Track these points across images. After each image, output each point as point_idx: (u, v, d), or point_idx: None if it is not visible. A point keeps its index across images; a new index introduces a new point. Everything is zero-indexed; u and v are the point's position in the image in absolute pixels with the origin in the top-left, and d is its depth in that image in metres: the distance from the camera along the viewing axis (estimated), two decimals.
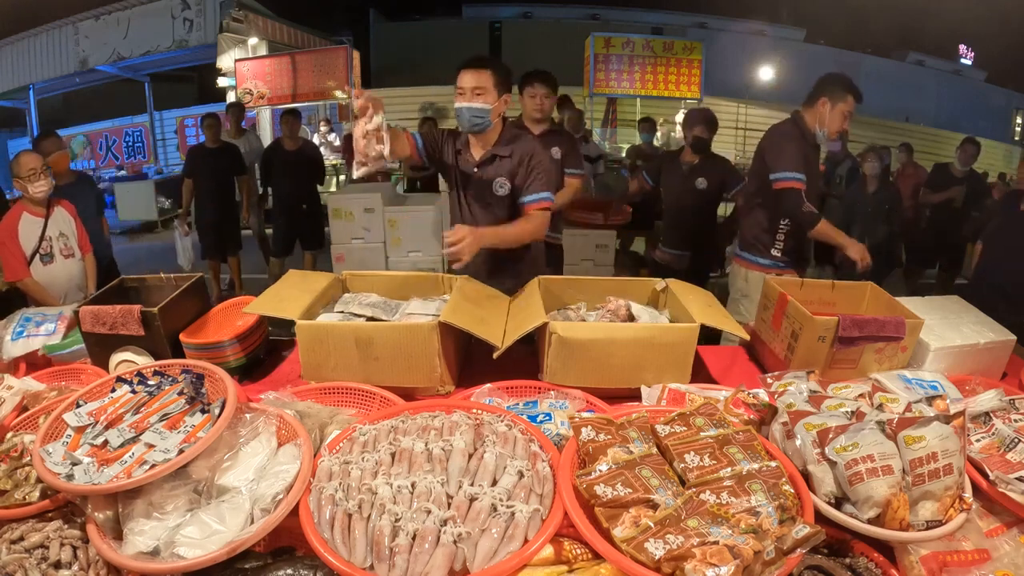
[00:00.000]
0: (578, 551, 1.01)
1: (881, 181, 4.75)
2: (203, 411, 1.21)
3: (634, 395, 1.54)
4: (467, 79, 1.98)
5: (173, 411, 1.21)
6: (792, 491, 1.03)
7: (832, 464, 1.09)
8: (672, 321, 1.73)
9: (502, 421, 1.23)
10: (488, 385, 1.54)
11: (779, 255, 2.63)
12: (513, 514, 1.01)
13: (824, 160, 6.39)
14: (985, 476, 1.16)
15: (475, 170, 2.09)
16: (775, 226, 2.61)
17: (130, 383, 1.29)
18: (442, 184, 4.34)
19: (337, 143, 8.59)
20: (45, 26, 8.54)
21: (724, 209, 3.54)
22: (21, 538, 1.11)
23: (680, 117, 9.10)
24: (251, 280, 5.62)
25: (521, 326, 1.60)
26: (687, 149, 3.56)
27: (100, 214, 3.94)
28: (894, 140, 8.41)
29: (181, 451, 1.10)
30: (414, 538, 0.97)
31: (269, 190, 5.22)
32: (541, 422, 1.31)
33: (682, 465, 1.08)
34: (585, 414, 1.29)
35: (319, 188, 5.42)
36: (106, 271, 3.47)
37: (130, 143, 10.92)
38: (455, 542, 0.96)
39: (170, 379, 1.31)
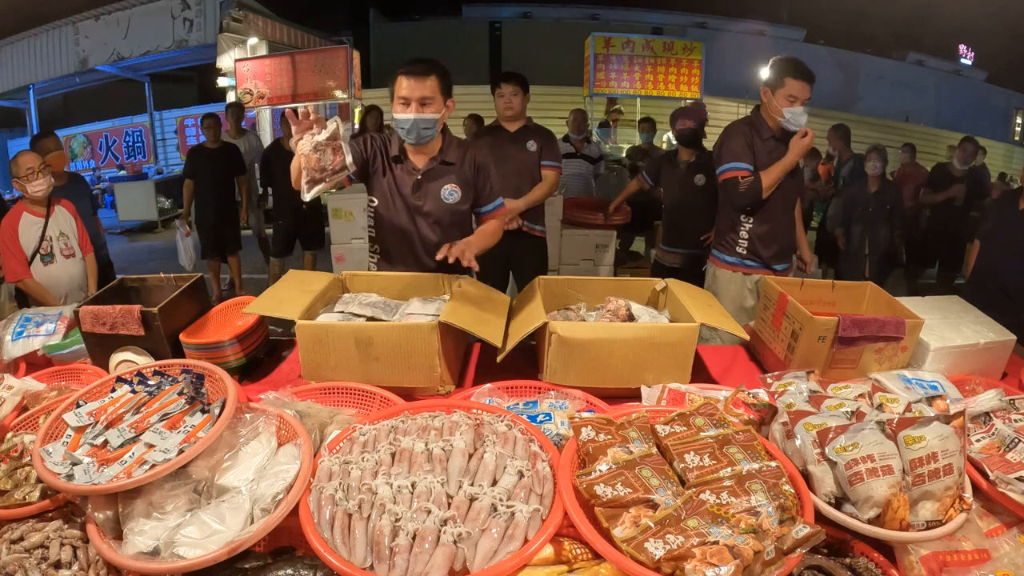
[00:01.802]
0: (578, 551, 1.01)
1: (883, 181, 4.76)
2: (203, 411, 1.21)
3: (634, 395, 1.54)
4: (412, 88, 1.83)
5: (173, 411, 1.21)
6: (792, 491, 1.03)
7: (832, 464, 1.09)
8: (672, 321, 1.74)
9: (502, 421, 1.23)
10: (488, 385, 1.54)
11: (744, 253, 2.58)
12: (513, 514, 1.01)
13: (826, 160, 6.39)
14: (985, 476, 1.16)
15: (419, 177, 1.99)
16: (737, 223, 2.56)
17: (130, 383, 1.29)
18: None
19: None
20: (45, 26, 8.54)
21: None
22: (21, 538, 1.11)
23: None
24: (251, 280, 5.63)
25: (522, 327, 1.60)
26: (681, 147, 3.59)
27: (94, 214, 3.96)
28: (894, 140, 8.41)
29: (181, 451, 1.10)
30: (414, 538, 0.97)
31: (269, 190, 5.22)
32: (541, 422, 1.31)
33: (682, 465, 1.08)
34: (585, 414, 1.29)
35: None
36: (102, 270, 3.49)
37: (130, 143, 10.92)
38: (455, 542, 0.96)
39: (170, 379, 1.31)
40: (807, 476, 1.12)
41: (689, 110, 3.68)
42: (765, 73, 2.49)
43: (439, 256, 1.75)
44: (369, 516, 1.01)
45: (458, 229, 2.08)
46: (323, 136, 1.57)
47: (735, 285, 2.61)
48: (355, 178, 1.95)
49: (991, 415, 1.34)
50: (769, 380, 1.50)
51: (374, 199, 2.05)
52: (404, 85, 1.85)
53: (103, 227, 4.21)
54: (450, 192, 2.01)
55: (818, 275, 4.11)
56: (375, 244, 2.14)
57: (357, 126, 7.36)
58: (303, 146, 1.58)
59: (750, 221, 2.54)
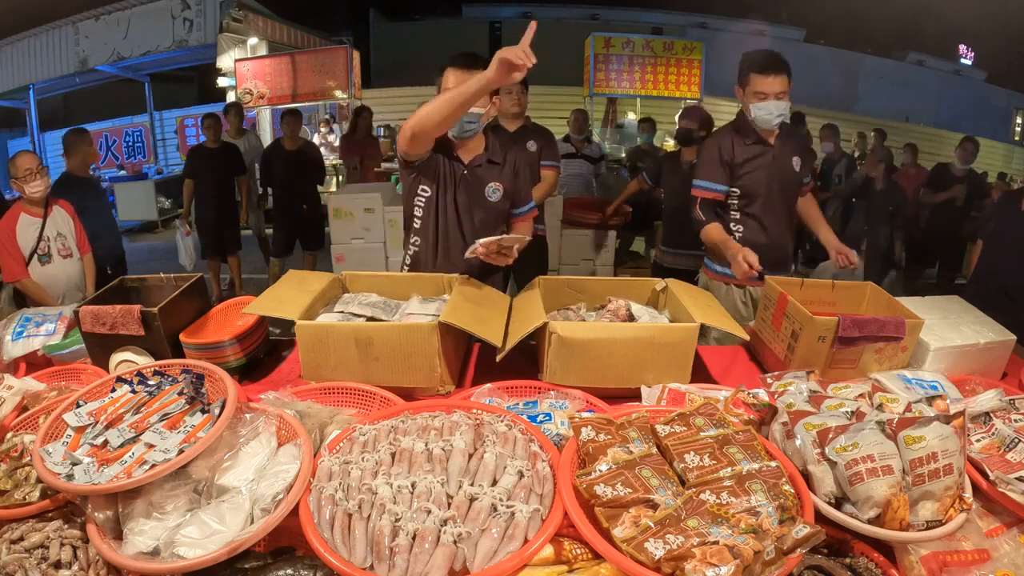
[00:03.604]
0: (578, 551, 1.01)
1: (887, 181, 4.76)
2: (203, 411, 1.21)
3: (634, 395, 1.54)
4: (458, 81, 1.82)
5: (173, 411, 1.21)
6: (792, 491, 1.03)
7: (832, 464, 1.09)
8: (672, 321, 1.74)
9: (502, 421, 1.23)
10: (488, 385, 1.54)
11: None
12: (513, 514, 1.01)
13: (821, 161, 6.40)
14: (985, 476, 1.16)
15: (464, 172, 2.00)
16: (727, 232, 2.39)
17: (130, 383, 1.29)
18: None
19: (337, 143, 8.59)
20: (45, 26, 8.53)
21: None
22: (21, 538, 1.11)
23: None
24: (251, 280, 5.63)
25: (522, 327, 1.60)
26: (683, 147, 3.62)
27: (111, 212, 4.02)
28: (894, 140, 8.41)
29: (181, 451, 1.10)
30: (414, 538, 0.97)
31: (269, 190, 5.23)
32: (541, 422, 1.31)
33: (682, 465, 1.08)
34: (585, 414, 1.29)
35: (319, 188, 5.43)
36: (116, 266, 3.55)
37: (130, 143, 10.91)
38: (455, 542, 0.96)
39: (170, 379, 1.31)
40: (807, 476, 1.12)
41: (691, 110, 3.71)
42: None
43: (480, 250, 1.75)
44: (369, 516, 1.01)
45: (495, 227, 2.10)
46: (509, 242, 1.77)
47: (725, 296, 2.44)
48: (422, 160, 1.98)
49: (991, 415, 1.34)
50: (769, 380, 1.50)
51: (426, 188, 2.03)
52: (452, 77, 1.87)
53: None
54: (494, 190, 2.03)
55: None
56: (416, 235, 2.12)
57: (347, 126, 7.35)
58: (489, 245, 1.76)
59: (740, 231, 2.39)
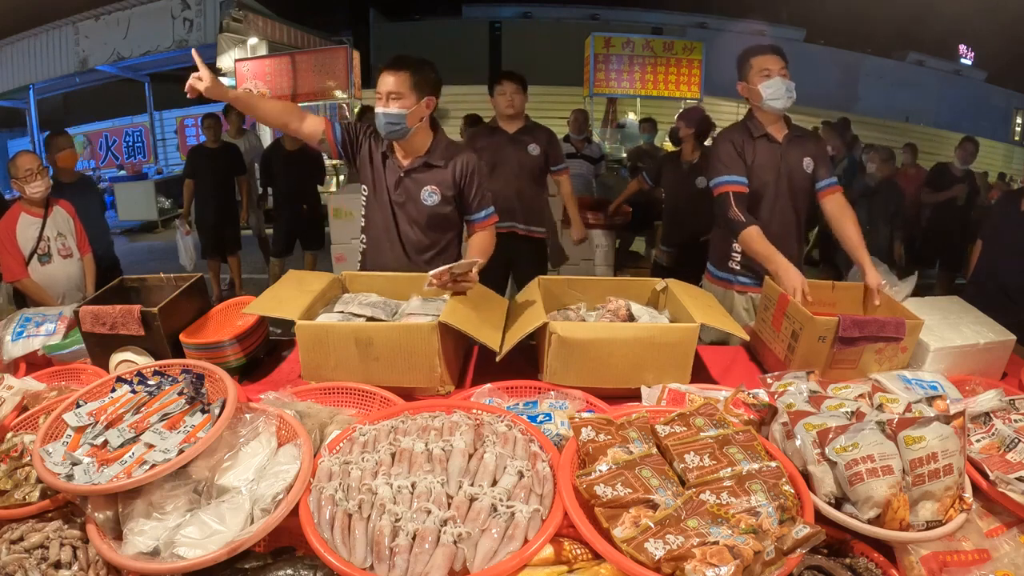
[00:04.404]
0: (578, 551, 1.01)
1: (887, 180, 4.75)
2: (203, 411, 1.21)
3: (634, 395, 1.54)
4: (383, 83, 1.87)
5: (173, 411, 1.21)
6: (792, 491, 1.03)
7: (832, 464, 1.09)
8: (672, 321, 1.74)
9: (502, 421, 1.23)
10: (488, 385, 1.54)
11: (738, 268, 2.31)
12: (513, 514, 1.01)
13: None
14: (985, 476, 1.16)
15: (402, 175, 1.99)
16: (729, 234, 2.25)
17: (130, 383, 1.29)
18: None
19: None
20: (45, 26, 8.52)
21: None
22: (21, 538, 1.11)
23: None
24: (251, 280, 5.63)
25: (522, 328, 1.60)
26: (683, 147, 3.63)
27: (102, 215, 3.99)
28: (894, 140, 8.41)
29: (181, 451, 1.10)
30: (414, 538, 0.97)
31: (269, 190, 5.23)
32: (541, 422, 1.31)
33: (682, 465, 1.08)
34: (585, 414, 1.29)
35: (319, 188, 5.43)
36: (110, 270, 3.52)
37: (130, 143, 10.91)
38: (455, 542, 0.96)
39: (170, 379, 1.31)
40: (807, 476, 1.12)
41: (688, 111, 3.73)
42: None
43: (434, 282, 1.69)
44: (369, 516, 1.01)
45: (440, 231, 2.08)
46: (461, 269, 1.70)
47: (726, 303, 2.31)
48: (341, 158, 2.06)
49: (991, 415, 1.34)
50: (769, 380, 1.50)
51: (364, 187, 2.09)
52: (380, 79, 1.90)
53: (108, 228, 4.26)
54: (429, 194, 2.00)
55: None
56: (363, 233, 2.17)
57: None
58: (451, 271, 1.69)
59: None
